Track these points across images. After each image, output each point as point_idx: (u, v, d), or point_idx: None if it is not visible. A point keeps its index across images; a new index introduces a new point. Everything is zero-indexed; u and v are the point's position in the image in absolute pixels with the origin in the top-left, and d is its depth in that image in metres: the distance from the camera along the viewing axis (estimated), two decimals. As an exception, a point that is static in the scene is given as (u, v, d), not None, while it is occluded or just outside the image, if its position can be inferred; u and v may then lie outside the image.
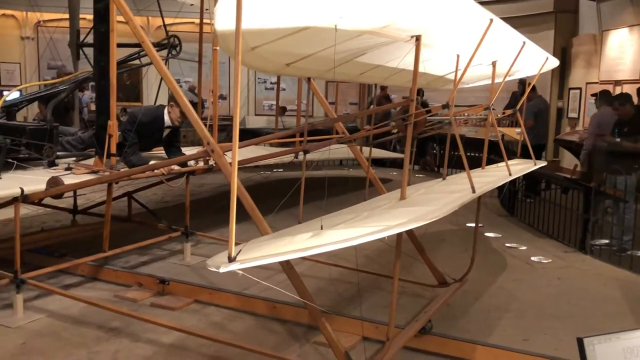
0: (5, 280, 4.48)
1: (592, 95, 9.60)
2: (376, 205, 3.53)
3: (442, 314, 4.56)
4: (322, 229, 2.69)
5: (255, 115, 16.12)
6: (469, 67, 3.81)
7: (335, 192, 8.61)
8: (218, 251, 2.20)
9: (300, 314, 4.40)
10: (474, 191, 3.55)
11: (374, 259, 6.02)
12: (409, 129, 3.42)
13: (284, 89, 13.24)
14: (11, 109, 5.90)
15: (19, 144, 5.04)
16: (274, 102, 12.33)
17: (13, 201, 4.50)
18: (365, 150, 6.33)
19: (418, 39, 3.20)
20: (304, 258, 5.44)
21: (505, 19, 3.72)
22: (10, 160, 5.00)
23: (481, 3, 3.27)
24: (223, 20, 2.51)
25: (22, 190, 4.45)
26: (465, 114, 5.88)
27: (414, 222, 2.58)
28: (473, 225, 5.01)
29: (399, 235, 3.21)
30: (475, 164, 4.62)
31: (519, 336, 4.33)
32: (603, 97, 8.56)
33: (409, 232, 4.85)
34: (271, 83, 15.82)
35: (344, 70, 4.22)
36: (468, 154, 4.30)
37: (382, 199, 3.95)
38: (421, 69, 3.41)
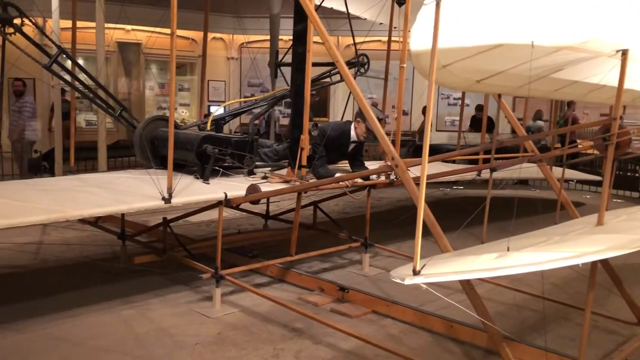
0: (208, 275, 4.99)
1: None
2: (569, 230, 3.32)
3: (641, 355, 4.11)
4: (508, 250, 2.62)
5: (437, 131, 16.01)
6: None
7: (521, 213, 8.18)
8: (395, 265, 2.26)
9: (477, 336, 4.26)
10: (687, 221, 3.17)
11: (561, 287, 5.62)
12: (609, 150, 3.18)
13: (467, 105, 12.96)
14: (219, 122, 6.61)
15: (225, 154, 5.60)
16: (456, 118, 12.15)
17: (217, 204, 5.00)
18: (557, 170, 5.96)
19: (624, 53, 2.98)
20: (483, 280, 5.28)
21: None
22: (216, 167, 5.58)
23: None
24: (418, 40, 2.59)
25: (226, 195, 4.95)
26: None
27: (614, 250, 2.40)
28: (683, 259, 4.44)
29: (595, 263, 3.00)
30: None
31: None
32: None
33: (604, 262, 4.45)
34: (454, 99, 15.61)
35: (537, 87, 4.04)
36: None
37: (576, 223, 3.70)
38: (626, 85, 3.15)
